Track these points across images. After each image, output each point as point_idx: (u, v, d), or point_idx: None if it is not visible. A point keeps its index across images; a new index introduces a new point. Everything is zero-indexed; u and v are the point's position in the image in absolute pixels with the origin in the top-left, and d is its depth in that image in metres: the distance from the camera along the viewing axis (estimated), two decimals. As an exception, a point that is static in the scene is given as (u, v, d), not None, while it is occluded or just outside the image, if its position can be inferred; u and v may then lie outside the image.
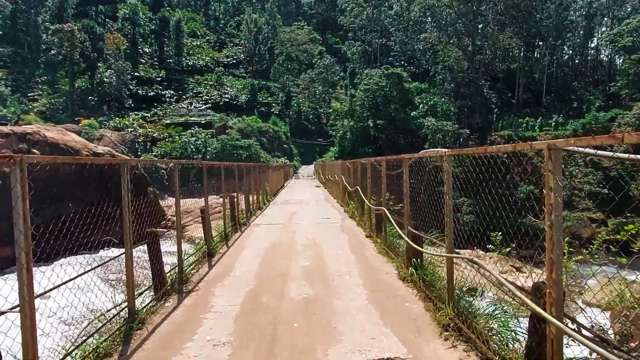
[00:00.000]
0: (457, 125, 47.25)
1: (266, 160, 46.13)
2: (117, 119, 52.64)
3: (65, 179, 17.21)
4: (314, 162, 53.35)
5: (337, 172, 18.37)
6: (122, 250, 4.74)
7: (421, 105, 50.62)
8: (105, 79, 58.91)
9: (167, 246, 7.18)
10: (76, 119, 50.12)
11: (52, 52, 57.50)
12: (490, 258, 12.60)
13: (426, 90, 59.15)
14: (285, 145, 56.06)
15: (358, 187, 11.84)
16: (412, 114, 49.69)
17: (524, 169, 37.87)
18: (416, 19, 73.07)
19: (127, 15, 71.45)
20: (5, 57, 63.18)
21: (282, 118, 63.45)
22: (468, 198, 30.43)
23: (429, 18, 67.20)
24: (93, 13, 75.78)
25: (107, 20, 74.93)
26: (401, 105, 48.95)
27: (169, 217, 27.05)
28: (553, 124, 55.01)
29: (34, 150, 16.85)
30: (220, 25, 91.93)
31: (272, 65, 73.63)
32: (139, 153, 46.52)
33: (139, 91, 62.14)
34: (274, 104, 68.19)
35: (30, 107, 54.76)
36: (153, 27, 73.88)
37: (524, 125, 56.15)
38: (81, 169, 18.18)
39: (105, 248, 16.73)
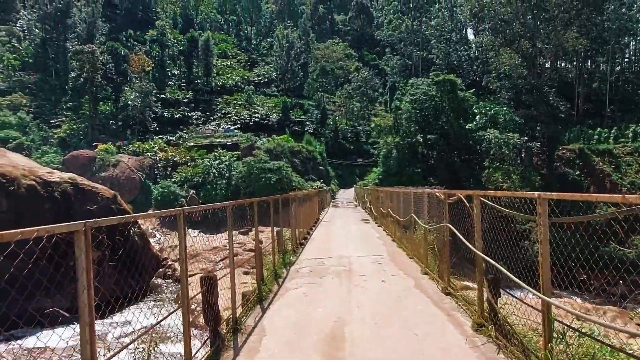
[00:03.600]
0: (525, 138, 39.56)
1: (299, 185, 39.95)
2: (137, 143, 48.46)
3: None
4: (354, 185, 46.73)
5: (407, 207, 11.35)
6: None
7: (479, 116, 43.30)
8: (129, 102, 55.53)
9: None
10: (93, 144, 46.27)
11: (73, 74, 54.68)
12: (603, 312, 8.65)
13: (476, 102, 51.80)
14: (320, 167, 49.83)
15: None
16: (467, 127, 42.50)
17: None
18: (463, 25, 66.55)
19: (155, 37, 68.91)
20: (31, 84, 61.44)
21: (317, 137, 57.61)
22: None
23: (480, 21, 60.17)
24: (123, 38, 73.98)
25: (135, 43, 72.82)
26: (455, 117, 41.87)
27: (170, 262, 21.03)
28: (631, 134, 46.34)
29: None
30: (252, 45, 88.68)
31: (306, 81, 68.53)
32: (158, 179, 41.67)
33: (165, 114, 58.36)
34: (307, 122, 62.63)
35: (51, 133, 51.79)
36: (181, 48, 70.97)
37: (596, 137, 47.78)
38: (18, 205, 12.54)
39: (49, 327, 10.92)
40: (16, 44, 67.46)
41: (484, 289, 5.15)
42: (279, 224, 10.33)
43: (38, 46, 66.63)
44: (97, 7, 68.25)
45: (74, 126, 54.20)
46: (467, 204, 5.78)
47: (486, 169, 40.67)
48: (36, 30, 67.46)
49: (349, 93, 65.73)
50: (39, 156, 43.52)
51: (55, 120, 55.13)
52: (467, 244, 5.32)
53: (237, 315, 5.82)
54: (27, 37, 68.89)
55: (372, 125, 48.74)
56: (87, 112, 54.58)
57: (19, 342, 11.32)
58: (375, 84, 69.59)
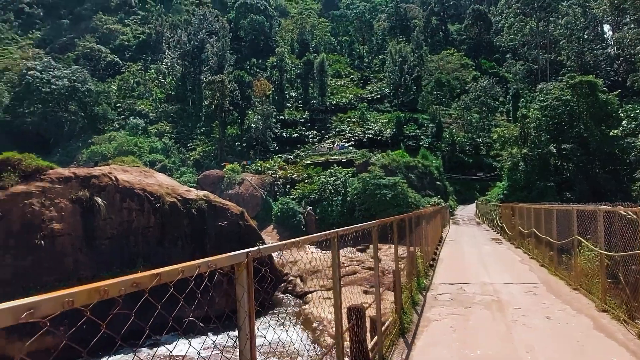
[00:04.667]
0: (692, 144, 32.99)
1: (415, 201, 38.53)
2: (259, 162, 51.76)
3: (142, 234, 12.91)
4: (476, 201, 43.61)
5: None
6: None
7: (626, 121, 37.48)
8: (252, 125, 59.85)
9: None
10: (222, 164, 50.56)
11: (206, 102, 60.80)
12: None
13: (620, 105, 44.71)
14: (437, 182, 47.61)
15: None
16: (611, 133, 36.96)
17: None
18: (598, 20, 58.98)
19: (275, 63, 73.78)
20: (173, 113, 70.03)
21: (433, 151, 55.39)
22: None
23: (621, 14, 52.74)
24: (247, 66, 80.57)
25: (258, 70, 78.70)
26: (595, 123, 36.74)
27: (290, 277, 21.46)
28: None
29: (96, 199, 13.22)
30: (365, 63, 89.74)
31: (419, 95, 66.83)
32: (278, 196, 43.73)
33: (284, 134, 61.66)
34: (422, 137, 60.73)
35: (188, 155, 58.05)
36: (298, 71, 74.72)
37: None
38: (163, 220, 13.75)
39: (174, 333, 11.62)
40: (162, 80, 77.89)
41: None
42: (407, 243, 9.62)
43: (179, 80, 76.03)
44: (226, 42, 75.56)
45: (206, 149, 60.07)
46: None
47: (638, 182, 34.80)
48: (177, 67, 77.02)
49: (467, 104, 62.35)
50: (178, 176, 48.91)
51: (191, 144, 61.82)
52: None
53: (383, 352, 5.25)
54: (170, 73, 78.99)
55: (495, 136, 45.26)
56: (217, 136, 60.13)
57: (155, 349, 12.07)
58: (496, 93, 65.04)
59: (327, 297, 15.85)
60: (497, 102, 65.84)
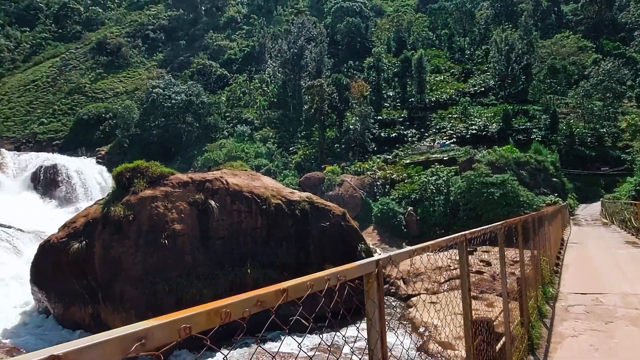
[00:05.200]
0: None
1: (528, 200, 35.50)
2: (358, 163, 52.06)
3: (250, 234, 13.75)
4: (601, 198, 38.75)
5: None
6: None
7: None
8: (350, 126, 60.47)
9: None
10: (322, 166, 51.82)
11: (305, 107, 62.88)
12: None
13: None
14: (553, 179, 43.29)
15: None
16: None
17: None
18: None
19: (372, 64, 73.70)
20: (275, 119, 73.74)
21: (547, 145, 50.56)
22: None
23: None
24: (344, 69, 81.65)
25: (355, 72, 79.28)
26: None
27: (392, 279, 21.09)
28: None
29: (210, 201, 14.35)
30: (466, 55, 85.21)
31: (529, 85, 61.52)
32: (377, 197, 43.52)
33: (382, 134, 61.25)
34: (534, 130, 55.77)
35: (290, 159, 60.62)
36: (395, 70, 73.66)
37: None
38: (269, 221, 14.48)
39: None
40: (265, 88, 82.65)
41: None
42: (531, 247, 8.82)
43: (280, 87, 79.93)
44: (323, 47, 77.46)
45: (307, 151, 62.13)
46: None
47: None
48: (278, 74, 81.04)
49: (587, 91, 55.79)
50: (281, 179, 51.28)
51: (292, 147, 64.47)
52: None
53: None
54: (272, 81, 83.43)
55: (623, 125, 39.98)
56: (317, 139, 61.85)
57: (264, 345, 12.67)
58: (623, 76, 57.27)
59: (432, 301, 15.34)
60: (624, 87, 57.92)
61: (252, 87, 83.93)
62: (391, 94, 72.97)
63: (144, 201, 15.46)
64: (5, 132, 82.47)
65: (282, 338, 11.76)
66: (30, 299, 18.12)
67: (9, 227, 26.05)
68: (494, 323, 4.01)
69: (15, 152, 58.95)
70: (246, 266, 14.75)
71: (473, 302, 12.91)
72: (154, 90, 69.25)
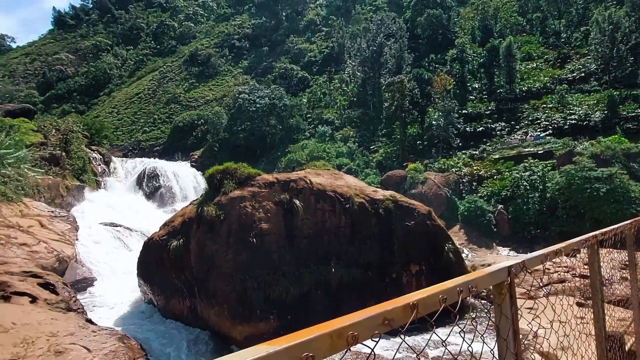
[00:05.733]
0: None
1: (641, 196, 31.51)
2: (442, 159, 50.13)
3: (334, 233, 13.79)
4: None
5: None
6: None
7: None
8: (433, 122, 58.49)
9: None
10: (404, 164, 50.73)
11: (386, 105, 62.02)
12: None
13: None
14: (674, 172, 37.92)
15: None
16: None
17: None
18: None
19: (455, 55, 70.55)
20: (355, 118, 73.74)
21: (666, 134, 44.53)
22: None
23: None
24: (426, 63, 79.21)
25: (437, 66, 76.52)
26: None
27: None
28: None
29: (295, 201, 14.56)
30: (562, 39, 78.01)
31: (639, 66, 54.65)
32: (464, 194, 41.55)
33: (467, 129, 58.35)
34: (647, 117, 49.42)
35: (371, 158, 60.21)
36: (481, 60, 69.73)
37: None
38: (353, 220, 14.41)
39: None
40: (345, 88, 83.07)
41: None
42: None
43: (359, 86, 79.74)
44: (403, 42, 75.83)
45: (388, 150, 61.23)
46: None
47: None
48: (358, 73, 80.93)
49: None
50: (363, 177, 51.07)
51: (373, 146, 63.95)
52: None
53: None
54: (352, 80, 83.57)
55: None
56: (398, 136, 60.69)
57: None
58: None
59: (527, 307, 14.17)
60: None
61: (332, 87, 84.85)
62: (477, 86, 69.24)
63: (233, 201, 16.29)
64: (115, 141, 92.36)
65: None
66: (138, 291, 20.05)
67: (119, 225, 29.07)
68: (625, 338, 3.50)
69: (123, 158, 65.77)
70: (331, 265, 14.87)
71: (579, 309, 11.66)
72: (240, 96, 73.00)
